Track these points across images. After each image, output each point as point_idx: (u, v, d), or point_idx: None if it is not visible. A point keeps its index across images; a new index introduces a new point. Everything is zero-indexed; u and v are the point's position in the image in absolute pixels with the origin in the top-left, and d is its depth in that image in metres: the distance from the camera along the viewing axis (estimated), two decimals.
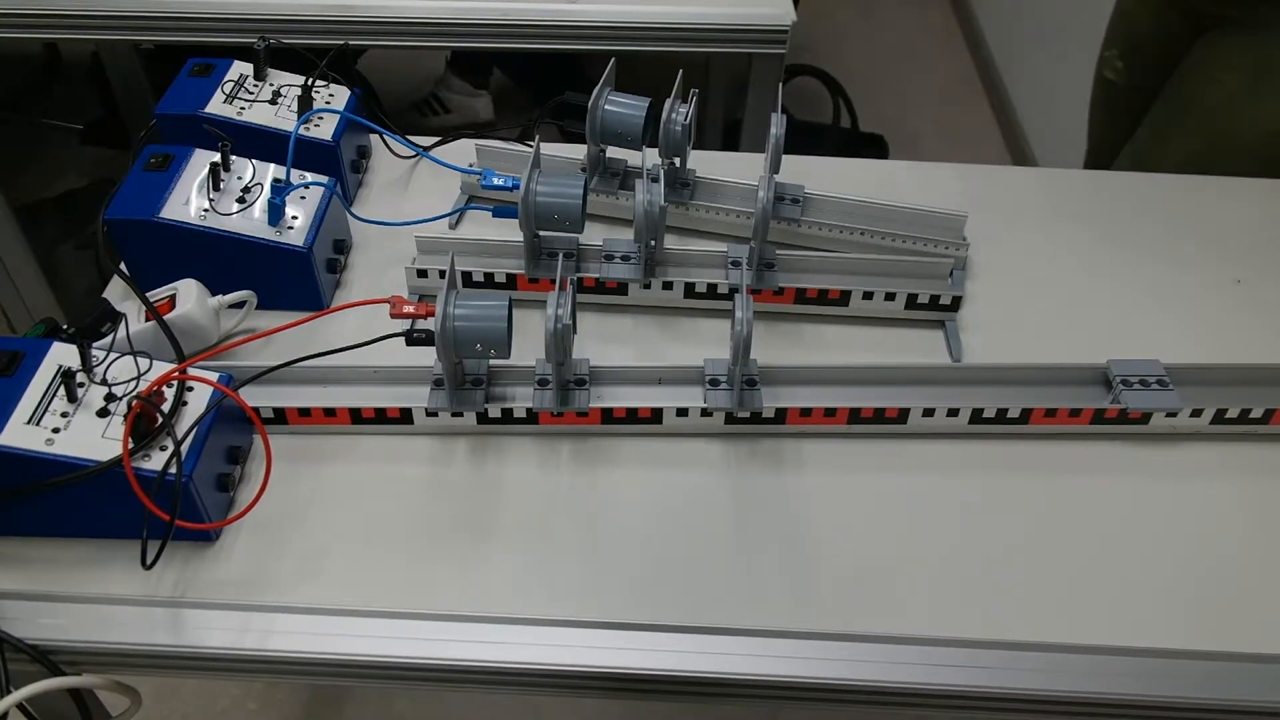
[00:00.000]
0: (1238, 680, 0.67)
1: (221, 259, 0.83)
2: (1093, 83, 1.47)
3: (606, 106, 0.91)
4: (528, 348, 0.79)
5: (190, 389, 0.71)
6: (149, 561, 0.66)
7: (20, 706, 0.64)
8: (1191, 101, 1.24)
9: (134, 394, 0.68)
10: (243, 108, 0.93)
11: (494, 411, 0.77)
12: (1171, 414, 0.79)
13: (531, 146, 0.86)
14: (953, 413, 0.79)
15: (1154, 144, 1.30)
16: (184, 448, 0.66)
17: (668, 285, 0.88)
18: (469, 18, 1.29)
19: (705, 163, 0.99)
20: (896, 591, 0.71)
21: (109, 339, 0.75)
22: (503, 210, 0.86)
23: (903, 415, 0.79)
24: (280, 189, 0.84)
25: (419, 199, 1.01)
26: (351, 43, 1.08)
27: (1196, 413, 0.79)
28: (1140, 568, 0.73)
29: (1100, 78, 1.45)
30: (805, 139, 1.37)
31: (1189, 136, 1.24)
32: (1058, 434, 0.80)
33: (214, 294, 0.83)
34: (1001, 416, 0.79)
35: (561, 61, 2.10)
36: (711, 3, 1.31)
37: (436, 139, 1.05)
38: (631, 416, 0.78)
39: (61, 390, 0.68)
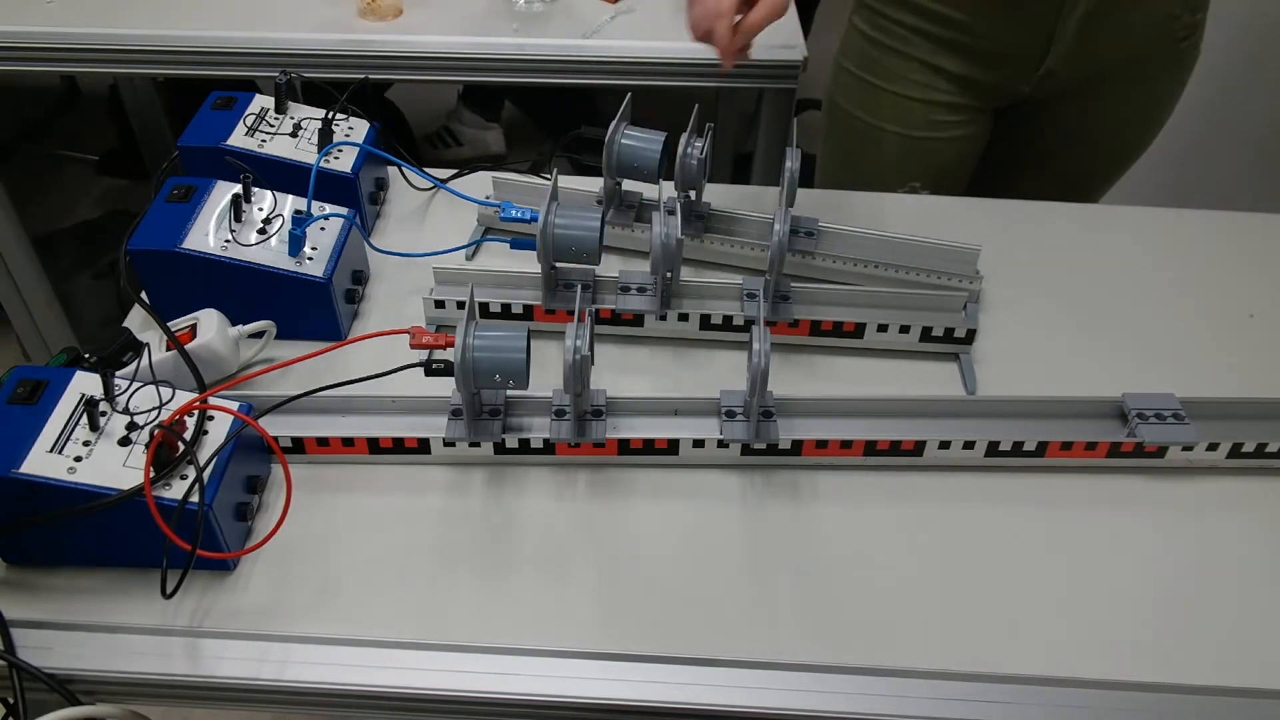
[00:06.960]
0: (1263, 717, 0.67)
1: (242, 289, 0.84)
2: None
3: (623, 141, 0.92)
4: (544, 379, 0.79)
5: (211, 418, 0.71)
6: (169, 591, 0.66)
7: None
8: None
9: (156, 423, 0.69)
10: (264, 140, 0.94)
11: (511, 442, 0.78)
12: (1187, 448, 0.79)
13: (546, 179, 0.87)
14: (968, 445, 0.79)
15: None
16: (204, 476, 0.67)
17: (683, 317, 0.88)
18: (484, 53, 1.31)
19: (719, 196, 1.00)
20: (912, 624, 0.70)
21: (131, 368, 0.75)
22: (520, 242, 0.87)
23: (919, 448, 0.79)
24: (301, 220, 0.85)
25: (436, 231, 1.02)
26: (370, 77, 1.09)
27: (1213, 447, 0.79)
28: (1157, 601, 0.72)
29: None
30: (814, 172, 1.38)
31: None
32: (1073, 467, 0.80)
33: (234, 324, 0.84)
34: (1017, 449, 0.79)
35: (573, 95, 2.12)
36: None
37: (453, 171, 1.06)
38: (648, 447, 0.78)
39: (84, 419, 0.68)
